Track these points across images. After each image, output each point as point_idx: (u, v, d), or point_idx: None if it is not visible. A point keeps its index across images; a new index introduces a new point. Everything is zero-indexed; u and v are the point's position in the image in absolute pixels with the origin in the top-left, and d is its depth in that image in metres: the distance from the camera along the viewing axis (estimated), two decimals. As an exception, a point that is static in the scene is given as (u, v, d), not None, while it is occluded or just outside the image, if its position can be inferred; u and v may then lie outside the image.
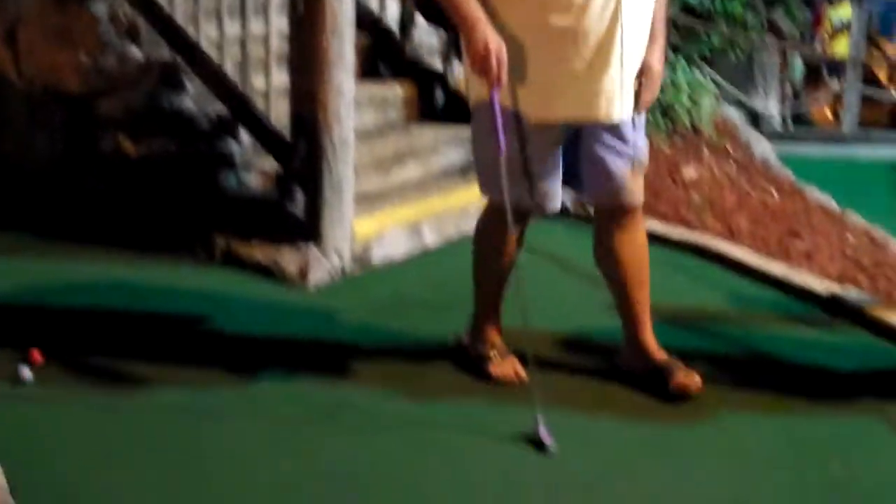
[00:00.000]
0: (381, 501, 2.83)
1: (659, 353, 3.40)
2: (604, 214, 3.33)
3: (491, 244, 3.41)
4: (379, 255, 4.54)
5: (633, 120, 3.19)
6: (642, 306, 3.39)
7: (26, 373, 3.37)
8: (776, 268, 4.40)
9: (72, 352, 3.59)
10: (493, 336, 3.50)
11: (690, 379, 3.32)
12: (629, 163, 3.20)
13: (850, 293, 4.10)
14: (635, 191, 3.24)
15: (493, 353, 3.46)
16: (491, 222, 3.38)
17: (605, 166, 3.19)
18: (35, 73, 4.97)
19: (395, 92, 5.38)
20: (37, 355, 3.46)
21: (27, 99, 5.02)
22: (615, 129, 3.16)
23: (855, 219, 5.16)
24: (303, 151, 4.37)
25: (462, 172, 5.21)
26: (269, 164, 4.66)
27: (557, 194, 3.27)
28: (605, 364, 3.51)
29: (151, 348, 3.67)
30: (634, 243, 3.33)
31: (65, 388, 3.36)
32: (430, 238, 4.75)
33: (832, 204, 5.37)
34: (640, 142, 3.23)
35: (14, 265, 4.36)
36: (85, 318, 3.92)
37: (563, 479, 2.92)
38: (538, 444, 3.03)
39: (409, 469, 2.96)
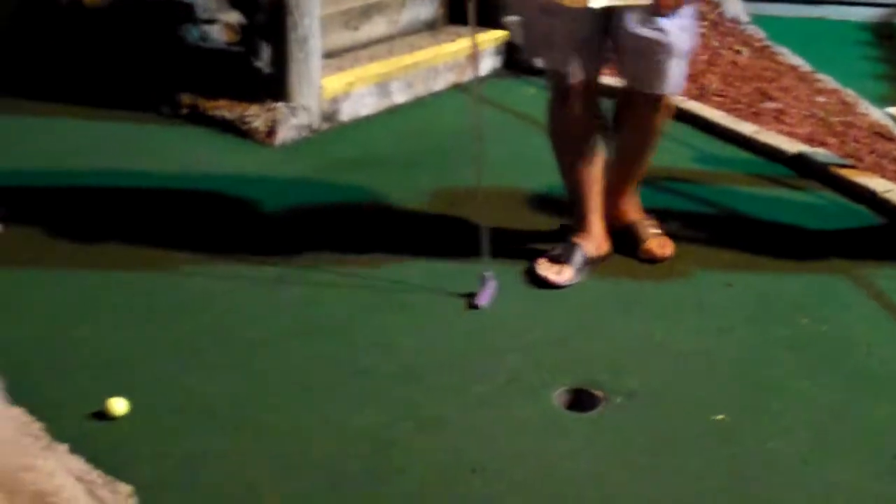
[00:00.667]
0: (351, 348, 2.86)
1: (634, 214, 3.39)
2: (637, 96, 3.21)
3: (559, 126, 3.28)
4: (347, 112, 4.47)
5: None
6: (633, 179, 3.37)
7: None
8: (746, 128, 4.37)
9: (33, 210, 3.55)
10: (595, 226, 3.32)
11: (661, 247, 3.33)
12: (664, 50, 3.06)
13: (818, 153, 4.10)
14: (670, 79, 3.11)
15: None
16: (553, 102, 3.28)
17: (638, 54, 3.07)
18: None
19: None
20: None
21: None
22: (648, 17, 3.02)
23: (826, 81, 5.12)
24: (267, 3, 4.25)
25: (429, 27, 5.11)
26: (234, 17, 4.53)
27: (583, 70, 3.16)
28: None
29: (113, 208, 3.63)
30: (655, 129, 3.25)
31: (26, 248, 3.34)
32: (399, 96, 4.68)
33: (804, 65, 5.32)
34: (675, 29, 3.05)
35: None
36: (46, 176, 3.86)
37: (536, 336, 2.95)
38: (472, 306, 3.06)
39: (370, 323, 2.99)
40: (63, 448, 2.32)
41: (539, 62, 3.33)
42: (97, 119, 4.32)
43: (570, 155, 3.30)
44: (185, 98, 4.39)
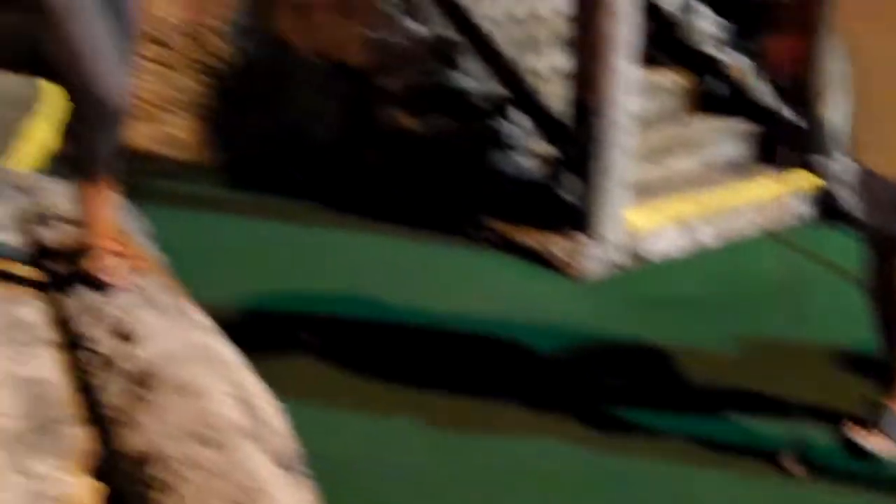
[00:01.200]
0: None
1: None
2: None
3: (879, 282, 3.08)
4: (651, 248, 4.43)
5: None
6: None
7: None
8: None
9: (333, 335, 3.67)
10: None
11: None
12: None
13: None
14: None
15: None
16: (873, 257, 3.09)
17: None
18: (321, 45, 5.11)
19: (673, 80, 5.23)
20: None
21: (313, 71, 5.17)
22: None
23: None
24: (578, 136, 4.31)
25: (738, 167, 5.03)
26: (544, 146, 4.63)
27: None
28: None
29: (413, 331, 3.71)
30: None
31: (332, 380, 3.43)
32: (705, 236, 4.60)
33: None
34: None
35: (293, 231, 4.53)
36: (347, 299, 3.99)
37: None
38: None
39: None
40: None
41: (861, 215, 3.17)
42: (404, 237, 4.47)
43: (891, 314, 3.11)
44: (492, 223, 4.49)
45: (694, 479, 2.88)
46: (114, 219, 3.13)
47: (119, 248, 3.08)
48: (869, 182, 3.03)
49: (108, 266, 3.00)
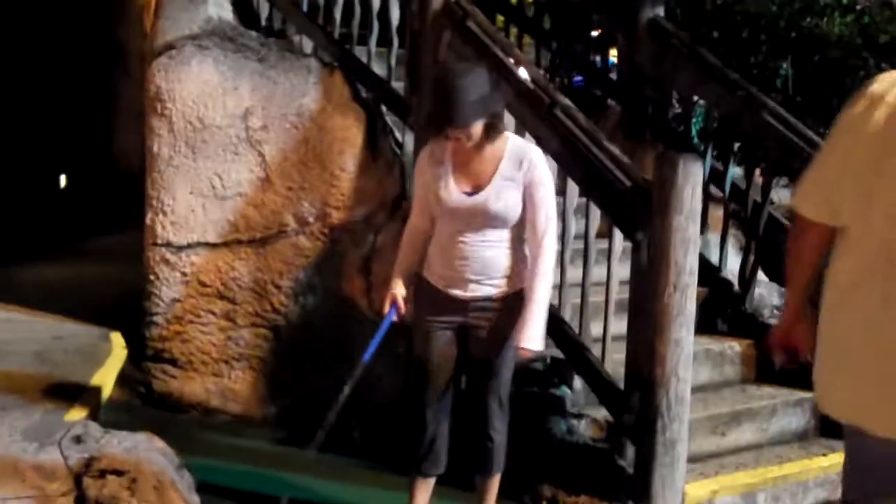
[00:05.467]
0: None
1: None
2: None
3: None
4: (711, 522, 4.30)
5: None
6: None
7: None
8: None
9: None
10: None
11: None
12: None
13: None
14: None
15: None
16: None
17: None
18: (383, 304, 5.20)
19: (733, 349, 5.20)
20: None
21: (375, 329, 5.22)
22: None
23: None
24: (637, 404, 4.25)
25: (800, 439, 4.92)
26: (601, 413, 4.58)
27: None
28: None
29: None
30: None
31: None
32: (767, 508, 4.46)
33: None
34: None
35: (345, 491, 4.46)
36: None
37: None
38: None
39: None
40: None
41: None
42: (460, 500, 4.35)
43: None
44: (547, 490, 4.40)
45: None
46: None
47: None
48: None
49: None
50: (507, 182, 3.67)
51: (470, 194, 3.70)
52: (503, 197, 3.65)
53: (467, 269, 3.74)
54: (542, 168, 3.72)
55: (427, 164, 3.79)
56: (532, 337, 3.69)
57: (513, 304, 3.76)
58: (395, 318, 3.90)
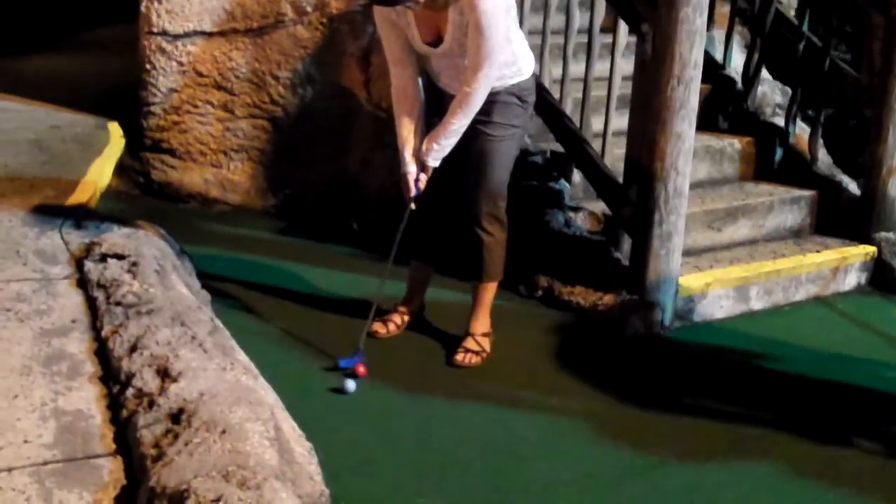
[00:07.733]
0: None
1: None
2: None
3: None
4: (701, 312, 4.38)
5: None
6: None
7: (350, 385, 3.54)
8: None
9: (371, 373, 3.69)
10: None
11: None
12: None
13: None
14: None
15: None
16: None
17: None
18: (383, 96, 5.15)
19: (733, 146, 5.18)
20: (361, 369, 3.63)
21: (374, 121, 5.21)
22: None
23: None
24: (635, 198, 4.27)
25: (795, 235, 4.97)
26: (599, 206, 4.60)
27: None
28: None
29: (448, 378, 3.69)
30: None
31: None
32: (757, 302, 4.53)
33: None
34: None
35: (343, 279, 4.54)
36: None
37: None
38: None
39: None
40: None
41: None
42: (454, 289, 4.43)
43: None
44: (543, 280, 4.47)
45: None
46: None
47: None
48: None
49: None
50: (460, 28, 3.60)
51: (433, 45, 3.65)
52: (462, 42, 3.59)
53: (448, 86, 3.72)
54: (482, 8, 3.58)
55: (388, 13, 3.68)
56: (427, 150, 3.69)
57: (493, 101, 3.71)
58: (412, 206, 3.73)
